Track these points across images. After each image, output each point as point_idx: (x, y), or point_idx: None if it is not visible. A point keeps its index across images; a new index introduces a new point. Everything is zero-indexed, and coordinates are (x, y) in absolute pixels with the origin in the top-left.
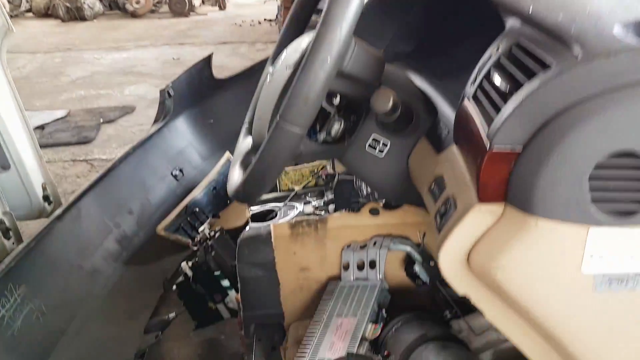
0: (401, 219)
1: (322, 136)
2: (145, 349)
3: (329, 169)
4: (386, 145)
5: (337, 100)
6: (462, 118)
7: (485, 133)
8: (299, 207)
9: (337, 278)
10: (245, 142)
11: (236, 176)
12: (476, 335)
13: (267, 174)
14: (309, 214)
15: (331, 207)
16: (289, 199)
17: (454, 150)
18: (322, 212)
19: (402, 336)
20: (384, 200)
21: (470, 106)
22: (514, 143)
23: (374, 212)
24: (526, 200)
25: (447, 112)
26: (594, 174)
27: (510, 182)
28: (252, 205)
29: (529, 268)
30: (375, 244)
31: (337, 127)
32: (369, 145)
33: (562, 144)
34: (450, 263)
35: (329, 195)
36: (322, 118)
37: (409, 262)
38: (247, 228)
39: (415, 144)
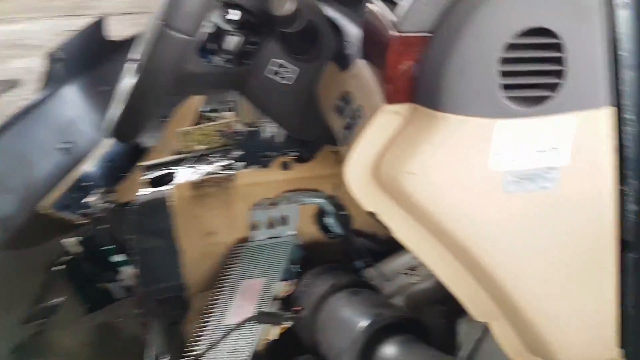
0: (313, 172)
1: (218, 60)
2: (26, 341)
3: (236, 126)
4: (292, 72)
5: (235, 16)
6: (367, 21)
7: (390, 23)
8: (204, 168)
9: (246, 240)
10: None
11: (115, 114)
12: (387, 281)
13: (149, 94)
14: (214, 173)
15: (239, 164)
16: (191, 160)
17: (361, 63)
18: (230, 171)
19: (313, 289)
20: (295, 154)
21: (374, 5)
22: (420, 28)
23: (285, 165)
24: (434, 96)
25: (352, 31)
26: (503, 56)
27: (417, 79)
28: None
29: (438, 171)
30: (286, 199)
31: (235, 41)
32: (274, 72)
33: (469, 24)
34: (358, 176)
35: (237, 153)
36: (217, 39)
37: (321, 215)
38: (140, 192)
39: (322, 69)
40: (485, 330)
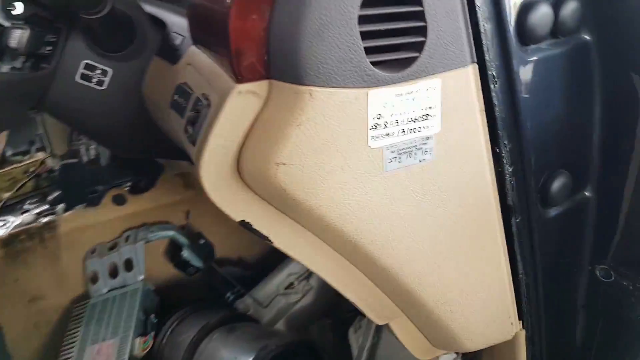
0: (156, 202)
1: (4, 66)
2: None
3: (50, 163)
4: (104, 74)
5: (20, 10)
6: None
7: None
8: (14, 219)
9: (87, 297)
10: None
11: None
12: (264, 307)
13: None
14: (30, 224)
15: (61, 206)
16: None
17: (194, 50)
18: (50, 217)
19: (178, 338)
20: (129, 184)
21: None
22: None
23: (118, 200)
24: (293, 67)
25: (177, 21)
26: (362, 14)
27: (270, 48)
28: None
29: (312, 156)
30: (128, 239)
31: (18, 37)
32: (82, 76)
33: None
34: (216, 178)
35: (55, 193)
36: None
37: (174, 249)
38: None
39: (146, 67)
40: (377, 335)
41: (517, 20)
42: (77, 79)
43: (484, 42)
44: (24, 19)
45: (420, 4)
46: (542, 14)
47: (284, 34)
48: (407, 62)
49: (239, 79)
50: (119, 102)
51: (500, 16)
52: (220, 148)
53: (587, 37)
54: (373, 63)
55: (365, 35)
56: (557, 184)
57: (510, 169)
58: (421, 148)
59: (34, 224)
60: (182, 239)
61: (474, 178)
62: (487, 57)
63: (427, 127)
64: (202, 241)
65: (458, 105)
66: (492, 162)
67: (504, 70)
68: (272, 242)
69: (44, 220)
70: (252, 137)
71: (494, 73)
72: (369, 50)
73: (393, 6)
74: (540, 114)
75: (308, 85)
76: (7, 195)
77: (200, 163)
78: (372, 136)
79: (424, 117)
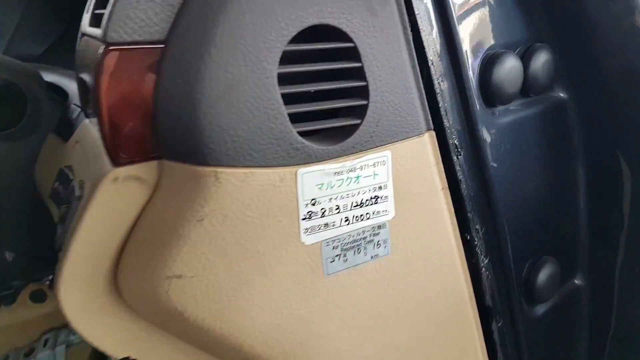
0: None
1: None
2: None
3: None
4: None
5: None
6: (79, 56)
7: (97, 42)
8: None
9: None
10: None
11: None
12: None
13: None
14: None
15: None
16: None
17: (85, 124)
18: None
19: None
20: (50, 277)
21: (86, 38)
22: (140, 35)
23: (37, 297)
24: (190, 142)
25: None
26: (282, 72)
27: (158, 118)
28: None
29: (222, 263)
30: (46, 343)
31: None
32: None
33: (220, 24)
34: (84, 304)
35: None
36: None
37: (101, 355)
38: None
39: (39, 145)
40: None
41: (481, 77)
42: None
43: (440, 104)
44: None
45: (359, 59)
46: (510, 68)
47: (177, 99)
48: (346, 132)
49: (116, 160)
50: (5, 189)
51: (460, 73)
52: (86, 259)
53: (563, 95)
54: (302, 134)
55: (289, 99)
56: (543, 275)
57: (485, 261)
58: (372, 240)
59: None
60: None
61: (443, 275)
62: (446, 123)
63: (378, 212)
64: None
65: (415, 183)
66: (463, 253)
67: (469, 137)
68: None
69: None
70: (134, 241)
71: (455, 142)
72: (295, 118)
73: (323, 62)
74: (517, 189)
75: (212, 165)
76: None
77: (58, 280)
78: (306, 229)
79: (373, 201)
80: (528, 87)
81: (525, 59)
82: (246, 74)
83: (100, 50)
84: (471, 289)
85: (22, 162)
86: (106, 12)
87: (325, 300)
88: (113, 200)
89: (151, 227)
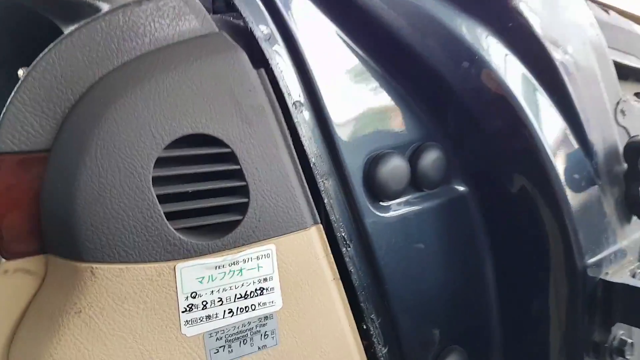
0: None
1: None
2: None
3: None
4: None
5: None
6: None
7: None
8: None
9: None
10: None
11: None
12: None
13: None
14: None
15: None
16: None
17: None
18: None
19: None
20: None
21: None
22: (26, 144)
23: None
24: (67, 239)
25: None
26: (157, 175)
27: (42, 216)
28: None
29: (102, 356)
30: None
31: None
32: None
33: (95, 133)
34: None
35: None
36: None
37: None
38: None
39: None
40: None
41: (366, 176)
42: None
43: (326, 200)
44: None
45: (237, 162)
46: (394, 167)
47: (56, 201)
48: (229, 227)
49: (5, 253)
50: None
51: (342, 172)
52: None
53: (461, 188)
54: (181, 230)
55: (168, 198)
56: None
57: (384, 350)
58: (259, 331)
59: None
60: None
61: None
62: (332, 217)
63: (264, 304)
64: None
65: (303, 274)
66: (360, 343)
67: (356, 230)
68: None
69: None
70: (20, 330)
71: (344, 234)
72: (172, 216)
73: (198, 164)
74: (413, 280)
75: (87, 261)
76: None
77: None
78: (186, 321)
79: (259, 292)
80: (419, 183)
81: (414, 157)
82: (120, 178)
83: None
84: None
85: None
86: None
87: None
88: (4, 291)
89: (35, 318)
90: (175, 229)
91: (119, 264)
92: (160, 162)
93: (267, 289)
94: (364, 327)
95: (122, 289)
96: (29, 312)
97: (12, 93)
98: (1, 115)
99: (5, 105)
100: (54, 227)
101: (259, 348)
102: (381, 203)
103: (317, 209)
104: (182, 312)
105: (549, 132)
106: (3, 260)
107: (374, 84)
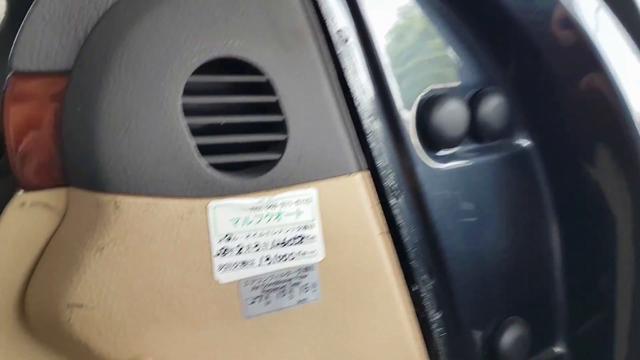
0: None
1: None
2: None
3: None
4: None
5: None
6: None
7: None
8: None
9: None
10: None
11: None
12: None
13: None
14: None
15: None
16: None
17: None
18: None
19: None
20: None
21: None
22: (49, 62)
23: None
24: (90, 168)
25: None
26: (186, 103)
27: (64, 144)
28: None
29: (126, 295)
30: None
31: None
32: None
33: (116, 53)
34: None
35: None
36: None
37: None
38: None
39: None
40: None
41: (419, 119)
42: None
43: (372, 144)
44: None
45: (273, 92)
46: (450, 112)
47: (78, 126)
48: (265, 167)
49: (23, 185)
50: None
51: (392, 114)
52: None
53: (525, 143)
54: (215, 165)
55: (200, 131)
56: (509, 337)
57: (437, 316)
58: (298, 283)
59: None
60: None
61: (386, 329)
62: (379, 164)
63: (304, 253)
64: None
65: (348, 225)
66: (410, 307)
67: (407, 180)
68: None
69: None
70: (39, 268)
71: (392, 184)
72: (205, 149)
73: (231, 95)
74: (470, 240)
75: (111, 193)
76: None
77: None
78: (220, 266)
79: (298, 240)
80: (479, 133)
81: (474, 103)
82: (146, 102)
83: (8, 77)
84: (422, 348)
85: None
86: (14, 41)
87: (246, 345)
88: (20, 225)
89: (55, 254)
90: (208, 164)
91: (146, 197)
92: (190, 89)
93: (307, 238)
94: (414, 289)
95: (150, 226)
96: (48, 250)
97: (30, 9)
98: (18, 32)
99: (22, 23)
100: (75, 155)
101: (298, 302)
102: (436, 152)
103: (363, 154)
104: (215, 255)
105: (635, 90)
106: (21, 191)
107: (432, 16)
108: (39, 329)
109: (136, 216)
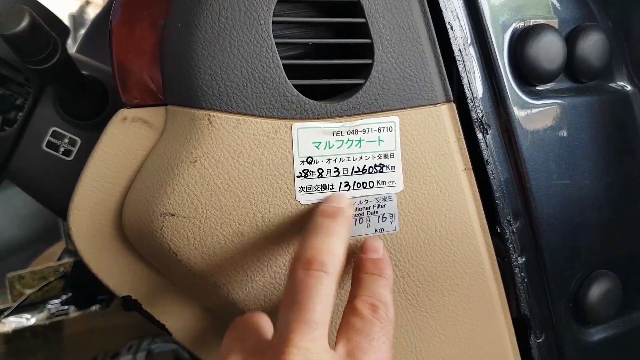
0: None
1: None
2: None
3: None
4: (75, 143)
5: None
6: None
7: None
8: (32, 318)
9: None
10: None
11: None
12: None
13: None
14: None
15: (72, 308)
16: (11, 308)
17: None
18: (59, 318)
19: None
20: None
21: None
22: None
23: (128, 304)
24: (186, 84)
25: None
26: (276, 21)
27: (164, 63)
28: None
29: (214, 208)
30: (130, 348)
31: None
32: (49, 144)
33: None
34: (93, 236)
35: (69, 293)
36: None
37: None
38: None
39: None
40: None
41: (512, 50)
42: (43, 146)
43: (462, 74)
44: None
45: (362, 15)
46: (546, 44)
47: (176, 43)
48: (348, 92)
49: (126, 101)
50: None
51: (484, 41)
52: (95, 191)
53: (626, 87)
54: (299, 87)
55: (286, 52)
56: (597, 290)
57: (520, 260)
58: (377, 212)
59: (39, 324)
60: (185, 355)
61: (465, 269)
62: (469, 95)
63: (384, 182)
64: None
65: (430, 158)
66: (492, 248)
67: (497, 114)
68: (170, 333)
69: (52, 320)
70: (137, 180)
71: (481, 117)
72: (292, 69)
73: (318, 14)
74: (560, 183)
75: (206, 108)
76: (29, 291)
77: (70, 210)
78: (301, 187)
79: (378, 169)
80: (576, 70)
81: (572, 38)
82: (240, 19)
83: None
84: (502, 292)
85: None
86: None
87: None
88: (121, 138)
89: (152, 167)
90: (293, 85)
91: (237, 114)
92: (279, 10)
93: (387, 167)
94: (498, 229)
95: (239, 142)
96: (145, 164)
97: None
98: None
99: None
100: (173, 72)
101: (375, 230)
102: (529, 86)
103: (450, 84)
104: (297, 176)
105: None
106: (125, 108)
107: None
108: (133, 237)
109: (227, 132)
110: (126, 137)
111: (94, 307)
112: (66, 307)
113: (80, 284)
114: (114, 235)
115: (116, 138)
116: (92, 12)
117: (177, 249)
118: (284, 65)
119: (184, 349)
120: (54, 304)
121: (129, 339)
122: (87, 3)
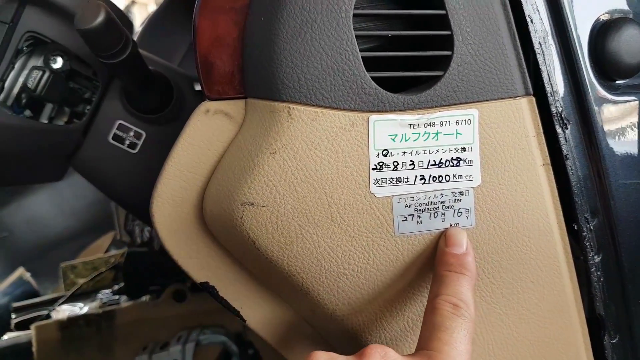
0: (215, 303)
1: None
2: None
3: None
4: (140, 136)
5: (59, 64)
6: None
7: None
8: (84, 307)
9: None
10: None
11: None
12: None
13: None
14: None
15: (124, 297)
16: (65, 297)
17: None
18: (112, 307)
19: None
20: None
21: None
22: None
23: (179, 296)
24: (267, 77)
25: None
26: (360, 14)
27: (245, 56)
28: None
29: (292, 198)
30: (180, 339)
31: (35, 77)
32: (115, 136)
33: None
34: (175, 223)
35: (121, 283)
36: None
37: (225, 356)
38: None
39: (180, 129)
40: None
41: (592, 44)
42: (109, 139)
43: (542, 67)
44: (64, 74)
45: (443, 6)
46: (627, 37)
47: (258, 37)
48: (427, 84)
49: (208, 94)
50: (151, 169)
51: (565, 34)
52: (177, 180)
53: None
54: (377, 80)
55: (361, 40)
56: None
57: (597, 259)
58: (452, 207)
59: (93, 312)
60: (233, 348)
61: (540, 267)
62: (549, 89)
63: (460, 176)
64: (251, 351)
65: (508, 152)
66: (567, 247)
67: (578, 108)
68: (244, 321)
69: (105, 309)
70: (219, 169)
71: (560, 112)
72: (369, 62)
73: (397, 6)
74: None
75: (285, 101)
76: (81, 281)
77: (153, 198)
78: (376, 179)
79: (455, 162)
80: None
81: None
82: (322, 12)
83: None
84: (577, 291)
85: (166, 143)
86: None
87: (395, 261)
88: (204, 130)
89: (233, 157)
90: (370, 77)
91: (315, 107)
92: (359, 4)
93: (464, 161)
94: (575, 227)
95: (316, 135)
96: (226, 154)
97: None
98: None
99: None
100: (255, 65)
101: (450, 225)
102: (610, 81)
103: (530, 77)
104: (373, 169)
105: None
106: (206, 100)
107: None
108: (214, 225)
109: (305, 124)
110: (208, 128)
111: (144, 298)
112: (117, 297)
113: (133, 274)
114: (195, 224)
115: (199, 129)
116: (137, 12)
117: (255, 237)
118: (362, 57)
119: (232, 342)
120: (105, 294)
121: (179, 330)
122: (133, 3)
